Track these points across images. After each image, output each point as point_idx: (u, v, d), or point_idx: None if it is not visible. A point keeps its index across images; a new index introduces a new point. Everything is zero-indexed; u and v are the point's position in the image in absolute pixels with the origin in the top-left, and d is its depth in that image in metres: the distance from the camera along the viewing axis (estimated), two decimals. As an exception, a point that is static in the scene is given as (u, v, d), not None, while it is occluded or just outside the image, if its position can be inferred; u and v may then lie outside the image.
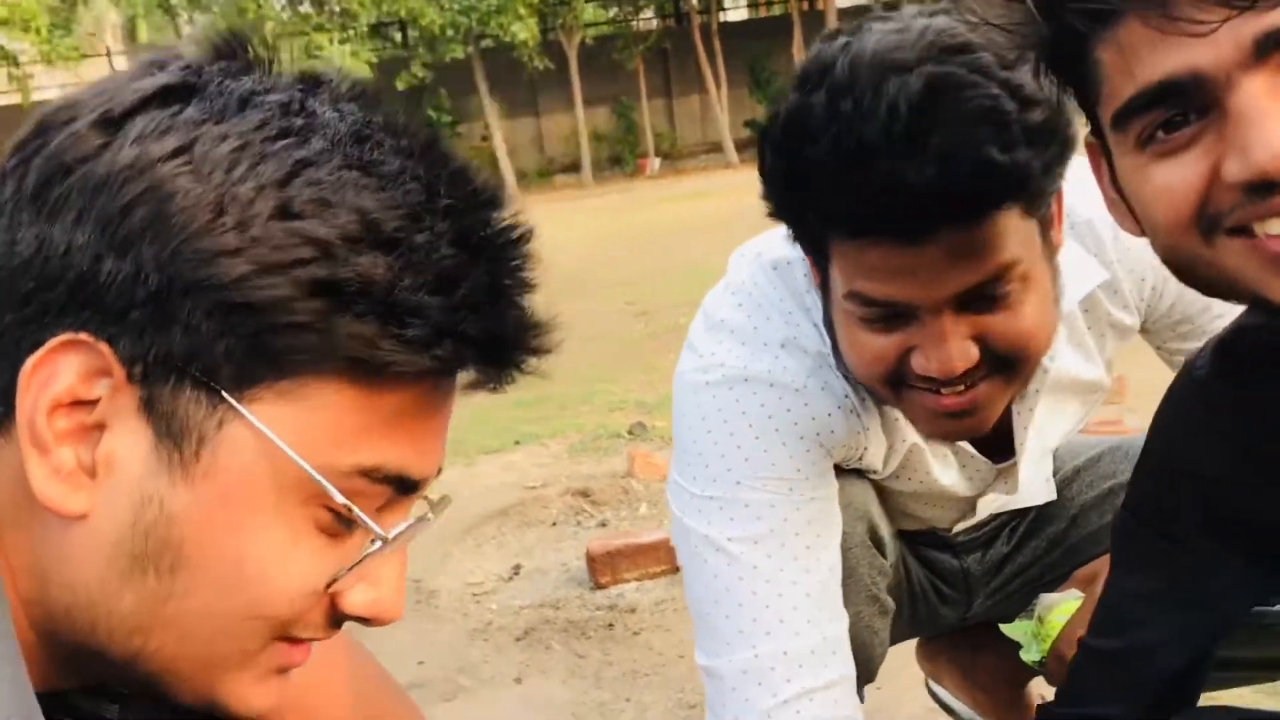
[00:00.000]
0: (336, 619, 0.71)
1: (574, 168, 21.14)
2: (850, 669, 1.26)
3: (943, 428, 1.20)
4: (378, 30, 20.93)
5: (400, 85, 19.85)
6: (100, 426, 0.63)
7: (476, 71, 20.11)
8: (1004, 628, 1.38)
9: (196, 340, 0.62)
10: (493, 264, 0.67)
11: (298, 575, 0.67)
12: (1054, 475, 1.57)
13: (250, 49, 0.69)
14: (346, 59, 19.02)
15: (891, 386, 1.16)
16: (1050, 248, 1.13)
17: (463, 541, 3.38)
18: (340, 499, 0.65)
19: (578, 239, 11.19)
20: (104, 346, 0.62)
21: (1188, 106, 0.76)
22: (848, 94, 0.99)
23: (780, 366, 1.25)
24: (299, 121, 0.65)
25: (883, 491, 1.43)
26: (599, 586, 2.92)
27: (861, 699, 1.53)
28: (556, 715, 2.38)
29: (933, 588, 1.65)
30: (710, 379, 1.26)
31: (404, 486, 0.69)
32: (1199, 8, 0.73)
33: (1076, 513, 1.61)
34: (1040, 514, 1.62)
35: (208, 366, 0.62)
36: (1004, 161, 0.98)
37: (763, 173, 1.09)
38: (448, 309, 0.64)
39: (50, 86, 23.09)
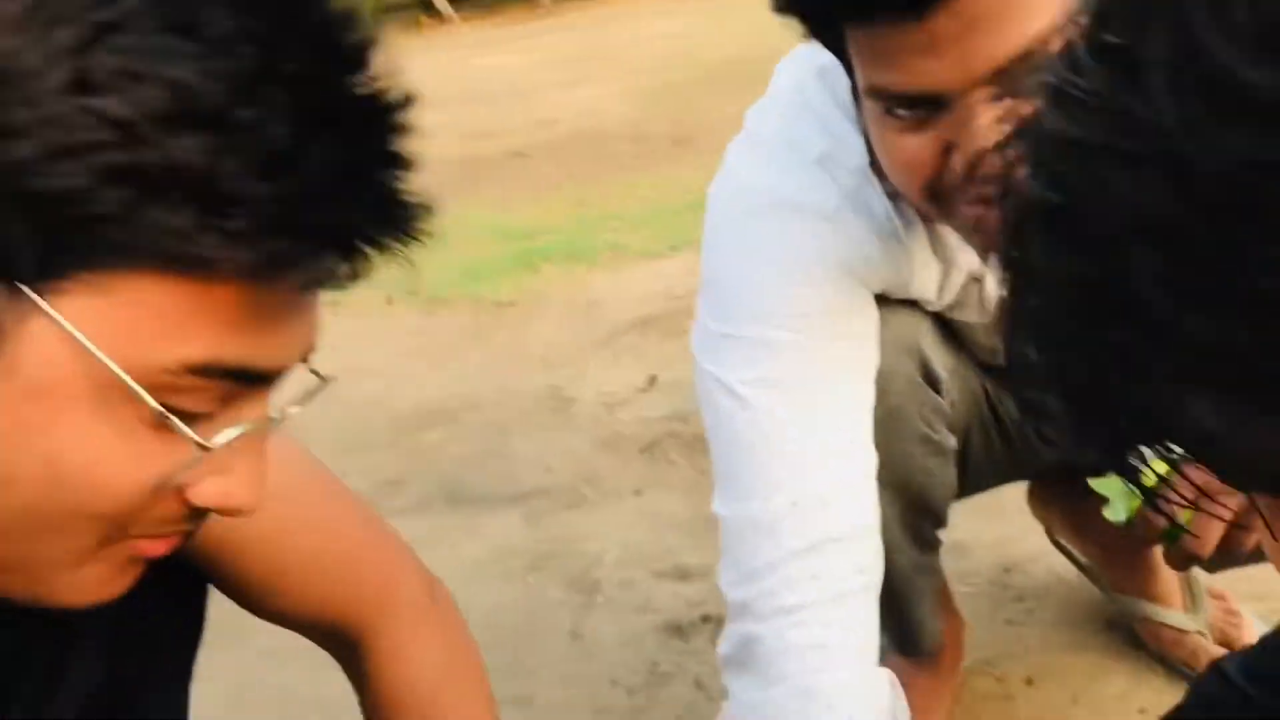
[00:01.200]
0: (192, 513, 0.66)
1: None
2: (870, 519, 1.15)
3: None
4: None
5: None
6: None
7: None
8: (1093, 482, 1.24)
9: None
10: (346, 140, 0.58)
11: (123, 474, 0.62)
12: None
13: None
14: None
15: (934, 200, 1.01)
16: None
17: (601, 352, 3.38)
18: (153, 403, 0.60)
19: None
20: None
21: None
22: None
23: (811, 185, 1.12)
24: None
25: (954, 325, 1.30)
26: (729, 401, 2.87)
27: (936, 542, 1.44)
28: (671, 529, 2.38)
29: (1033, 428, 1.51)
30: (734, 205, 1.15)
31: (251, 379, 0.63)
32: None
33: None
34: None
35: (4, 256, 0.56)
36: None
37: None
38: (280, 197, 0.56)
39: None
